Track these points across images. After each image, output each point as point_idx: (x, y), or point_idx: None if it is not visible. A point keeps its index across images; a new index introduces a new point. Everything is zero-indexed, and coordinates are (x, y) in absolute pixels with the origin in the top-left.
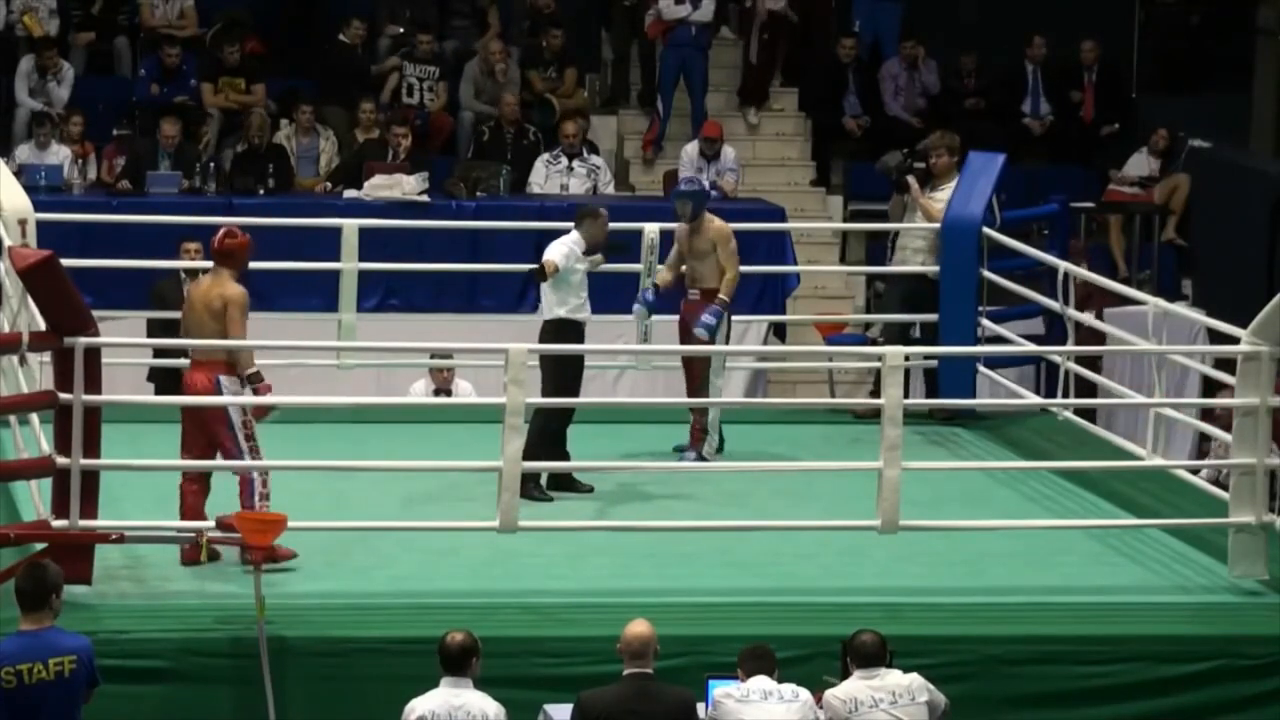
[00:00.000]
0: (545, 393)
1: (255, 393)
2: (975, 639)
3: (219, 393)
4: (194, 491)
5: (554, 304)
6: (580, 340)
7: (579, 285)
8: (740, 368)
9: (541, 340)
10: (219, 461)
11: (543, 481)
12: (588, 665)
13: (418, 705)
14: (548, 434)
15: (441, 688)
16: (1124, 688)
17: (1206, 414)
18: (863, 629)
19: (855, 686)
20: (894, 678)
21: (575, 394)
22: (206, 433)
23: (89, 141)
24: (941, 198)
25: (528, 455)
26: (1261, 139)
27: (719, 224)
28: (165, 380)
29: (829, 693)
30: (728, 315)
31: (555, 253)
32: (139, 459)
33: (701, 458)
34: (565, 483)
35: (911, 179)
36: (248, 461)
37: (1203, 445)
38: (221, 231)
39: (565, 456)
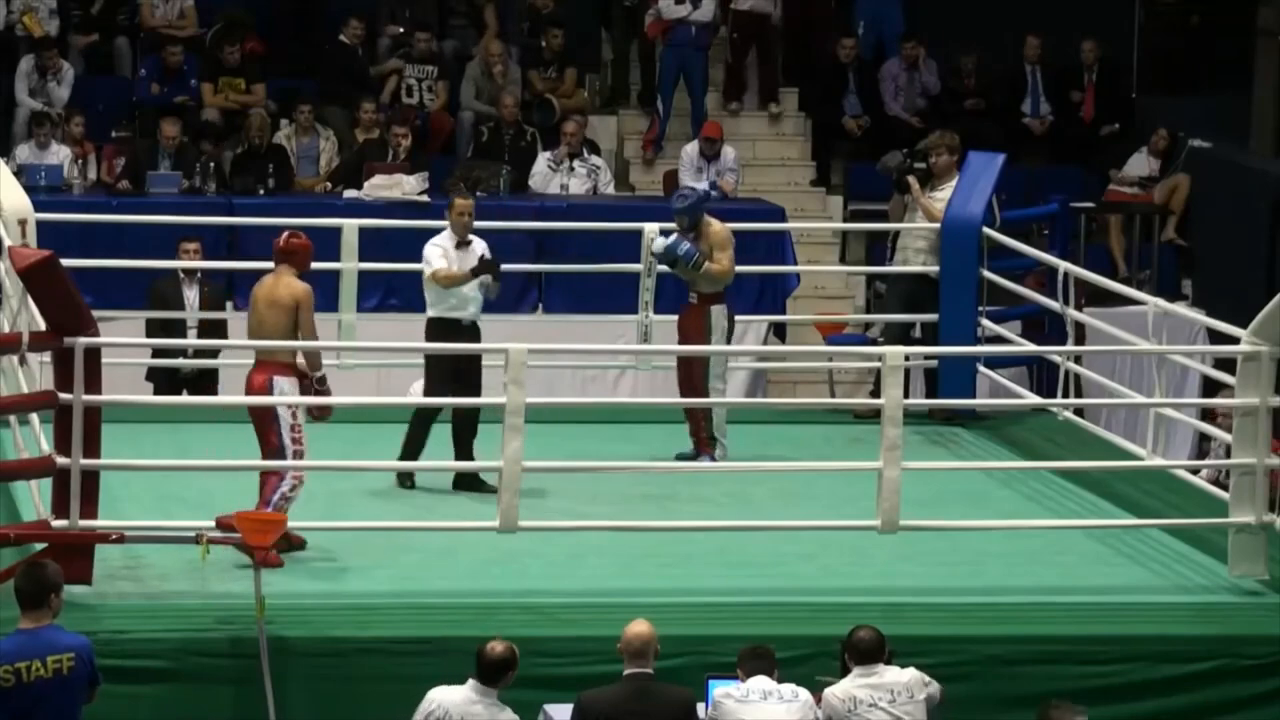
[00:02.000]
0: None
1: (319, 395)
2: (975, 639)
3: (272, 393)
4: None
5: (429, 303)
6: (457, 339)
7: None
8: (740, 368)
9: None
10: (222, 461)
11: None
12: (588, 665)
13: (437, 695)
14: (412, 430)
15: (468, 688)
16: (1124, 688)
17: (1206, 414)
18: (860, 625)
19: (854, 685)
20: (892, 675)
21: (439, 394)
22: (259, 430)
23: (89, 141)
24: (942, 197)
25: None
26: (1261, 139)
27: (717, 227)
28: (165, 380)
29: (828, 691)
30: (728, 316)
31: (428, 254)
32: (139, 459)
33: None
34: (470, 483)
35: (912, 179)
36: (258, 462)
37: (1203, 445)
38: (285, 234)
39: (414, 456)
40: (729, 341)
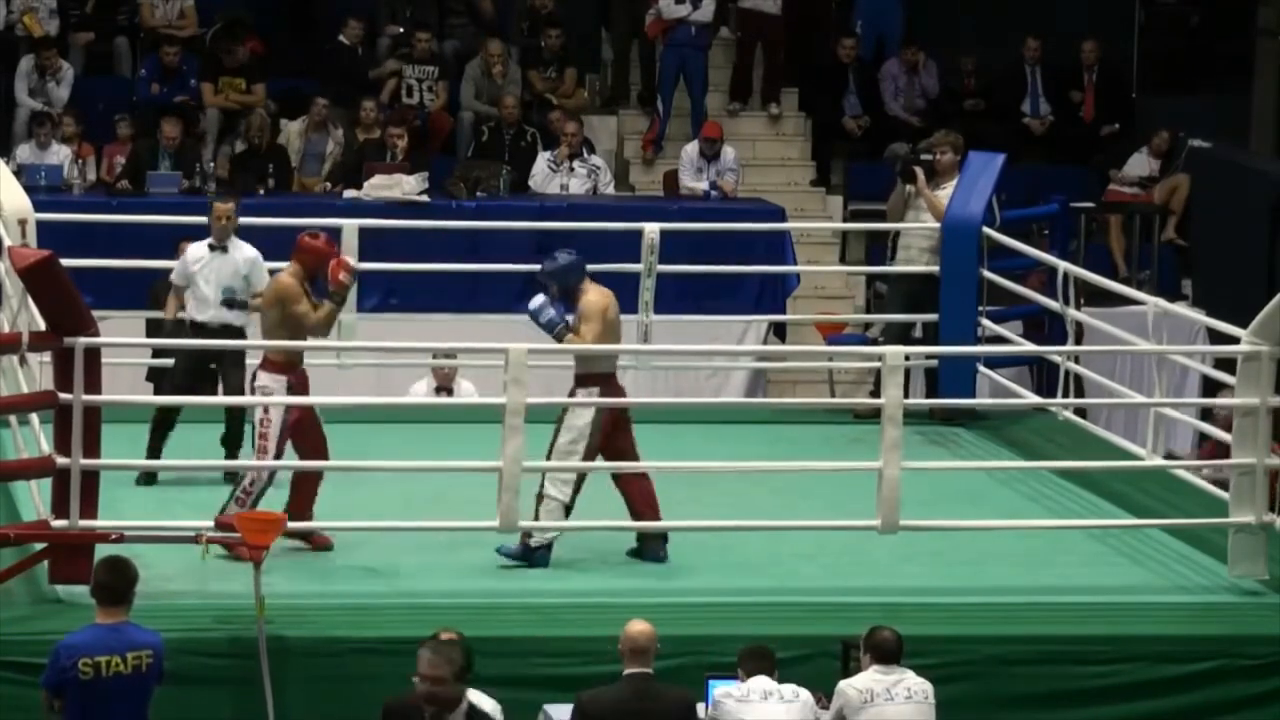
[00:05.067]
0: None
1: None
2: (975, 639)
3: (252, 388)
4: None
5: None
6: (193, 338)
7: (200, 284)
8: (740, 367)
9: None
10: (221, 461)
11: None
12: (588, 665)
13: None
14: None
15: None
16: (1124, 688)
17: (1206, 414)
18: (881, 625)
19: (871, 679)
20: (910, 676)
21: (180, 392)
22: None
23: (89, 141)
24: (944, 195)
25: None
26: (1261, 139)
27: (593, 296)
28: (165, 380)
29: (844, 683)
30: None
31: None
32: (139, 459)
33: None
34: None
35: (918, 169)
36: (258, 462)
37: (1203, 445)
38: (305, 233)
39: (156, 453)
40: (593, 435)
